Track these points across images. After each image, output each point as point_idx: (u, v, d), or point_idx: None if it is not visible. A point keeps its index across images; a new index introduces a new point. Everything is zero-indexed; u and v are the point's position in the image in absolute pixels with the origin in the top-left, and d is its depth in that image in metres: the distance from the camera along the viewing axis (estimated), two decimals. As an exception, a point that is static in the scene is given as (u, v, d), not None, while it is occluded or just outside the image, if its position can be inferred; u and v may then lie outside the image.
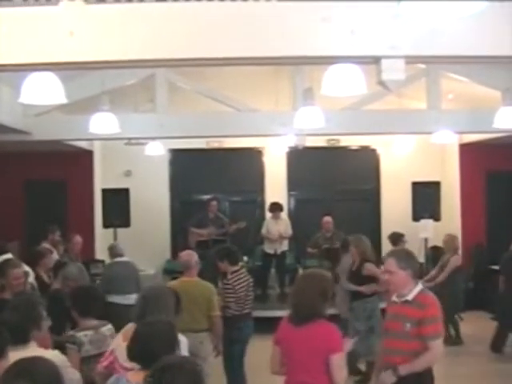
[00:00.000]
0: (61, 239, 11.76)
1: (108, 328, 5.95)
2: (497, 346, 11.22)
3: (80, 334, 5.68)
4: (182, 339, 5.23)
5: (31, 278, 8.16)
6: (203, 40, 4.78)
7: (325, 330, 5.26)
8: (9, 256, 8.78)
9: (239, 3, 5.01)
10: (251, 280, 9.13)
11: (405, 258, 5.54)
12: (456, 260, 11.91)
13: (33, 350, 4.58)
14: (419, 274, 5.72)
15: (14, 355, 4.33)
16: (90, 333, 5.70)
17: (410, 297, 5.40)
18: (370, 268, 9.83)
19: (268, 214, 15.14)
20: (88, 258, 13.19)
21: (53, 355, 4.75)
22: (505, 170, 15.35)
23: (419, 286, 5.46)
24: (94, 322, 5.85)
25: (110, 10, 4.76)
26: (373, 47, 4.86)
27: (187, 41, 4.79)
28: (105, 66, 5.49)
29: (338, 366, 5.11)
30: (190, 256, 8.37)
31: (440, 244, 14.96)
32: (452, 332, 11.77)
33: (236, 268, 8.81)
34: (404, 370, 5.28)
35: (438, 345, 5.34)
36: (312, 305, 5.39)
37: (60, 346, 5.35)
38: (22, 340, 4.65)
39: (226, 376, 8.84)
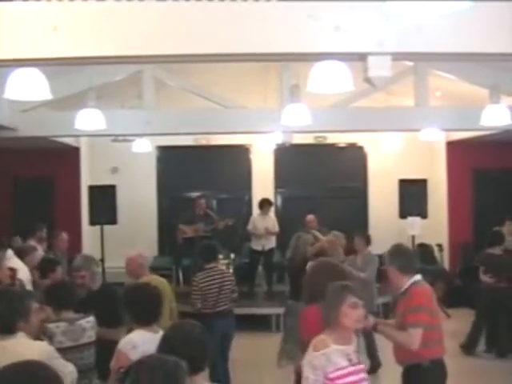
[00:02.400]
0: (45, 236, 11.73)
1: (87, 320, 5.94)
2: (469, 345, 11.15)
3: (51, 326, 5.69)
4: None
5: (21, 274, 8.14)
6: (190, 36, 4.75)
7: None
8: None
9: (225, 0, 4.98)
10: (229, 278, 9.10)
11: (391, 254, 5.85)
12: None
13: (19, 341, 4.63)
14: (413, 266, 5.80)
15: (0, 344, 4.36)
16: (62, 324, 5.69)
17: (402, 289, 5.70)
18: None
19: (255, 211, 15.13)
20: (75, 255, 13.13)
21: (40, 346, 4.79)
22: (491, 167, 15.40)
23: (413, 279, 5.66)
24: (70, 315, 5.85)
25: (95, 4, 4.71)
26: (359, 44, 4.84)
27: (174, 37, 4.76)
28: (90, 62, 5.44)
29: None
30: (142, 256, 8.28)
31: (427, 241, 15.05)
32: None
33: (209, 266, 8.82)
34: (383, 330, 5.75)
35: (415, 333, 5.45)
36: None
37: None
38: (8, 331, 4.66)
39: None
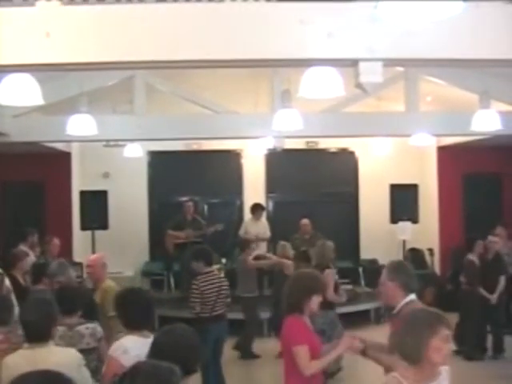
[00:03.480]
0: (38, 241, 11.72)
1: (86, 327, 5.94)
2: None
3: (81, 327, 5.74)
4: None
5: (7, 282, 8.13)
6: (181, 42, 4.76)
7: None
8: None
9: (217, 5, 5.01)
10: (225, 283, 9.17)
11: (394, 269, 5.39)
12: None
13: (51, 349, 4.70)
14: (413, 286, 5.34)
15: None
16: (61, 328, 5.69)
17: (397, 308, 5.26)
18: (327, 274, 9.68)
19: (247, 216, 15.14)
20: (66, 261, 13.11)
21: (72, 353, 4.87)
22: (482, 172, 15.47)
23: (408, 298, 5.23)
24: (72, 320, 5.86)
25: (87, 11, 4.73)
26: (351, 50, 4.87)
27: (165, 43, 4.78)
28: (82, 68, 5.46)
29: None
30: (104, 257, 8.28)
31: (418, 246, 15.10)
32: None
33: (208, 269, 8.88)
34: (372, 356, 5.24)
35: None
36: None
37: None
38: (42, 338, 4.70)
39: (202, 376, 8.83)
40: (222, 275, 9.99)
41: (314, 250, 10.46)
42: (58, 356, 4.63)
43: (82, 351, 5.48)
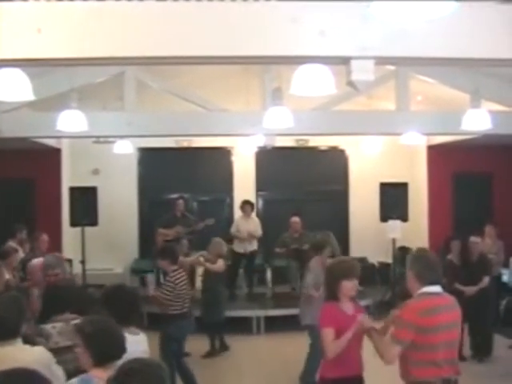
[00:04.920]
0: (27, 237, 11.69)
1: None
2: None
3: (48, 327, 5.68)
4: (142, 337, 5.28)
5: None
6: (172, 38, 4.76)
7: None
8: None
9: (208, 3, 4.99)
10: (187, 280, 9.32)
11: (411, 258, 5.42)
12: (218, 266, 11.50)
13: (18, 347, 4.65)
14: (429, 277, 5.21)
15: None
16: (58, 324, 5.68)
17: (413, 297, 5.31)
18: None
19: (238, 213, 15.14)
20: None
21: (39, 352, 4.79)
22: (472, 171, 15.52)
23: (423, 289, 5.17)
24: (67, 316, 5.84)
25: (79, 6, 4.71)
26: (342, 48, 4.87)
27: (156, 39, 4.77)
28: (73, 64, 5.45)
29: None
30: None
31: (408, 244, 15.12)
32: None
33: (176, 267, 8.89)
34: (371, 335, 5.42)
35: (391, 348, 5.09)
36: None
37: (31, 340, 5.31)
38: (11, 335, 4.66)
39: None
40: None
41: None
42: (27, 354, 4.58)
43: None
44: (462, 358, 10.47)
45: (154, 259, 14.92)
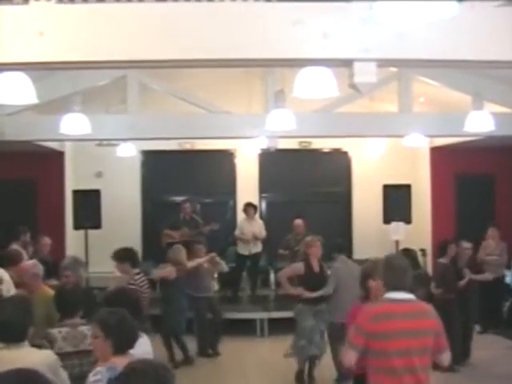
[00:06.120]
0: (30, 240, 11.69)
1: (89, 328, 5.91)
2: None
3: (54, 331, 5.67)
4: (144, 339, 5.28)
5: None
6: (175, 41, 4.76)
7: None
8: None
9: (211, 5, 5.01)
10: None
11: (381, 264, 5.43)
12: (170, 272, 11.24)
13: (26, 350, 4.67)
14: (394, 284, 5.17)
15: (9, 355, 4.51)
16: (65, 329, 5.67)
17: None
18: None
19: (241, 216, 15.14)
20: (58, 260, 13.10)
21: (47, 355, 4.82)
22: (474, 173, 15.50)
23: (384, 295, 5.19)
24: (74, 321, 5.84)
25: (81, 9, 4.73)
26: (345, 50, 4.88)
27: (158, 42, 4.78)
28: (75, 67, 5.45)
29: None
30: (36, 265, 7.89)
31: (411, 246, 15.09)
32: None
33: (137, 270, 8.52)
34: None
35: (346, 352, 5.11)
36: None
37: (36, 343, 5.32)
38: (19, 339, 4.72)
39: None
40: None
41: None
42: (34, 357, 4.60)
43: (83, 352, 5.47)
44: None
45: (160, 260, 15.01)
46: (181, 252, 11.47)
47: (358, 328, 5.06)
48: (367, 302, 5.77)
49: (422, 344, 4.97)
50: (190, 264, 11.46)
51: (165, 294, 11.18)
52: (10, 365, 3.89)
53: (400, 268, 5.20)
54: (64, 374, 4.86)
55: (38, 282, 7.59)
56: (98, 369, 4.33)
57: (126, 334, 4.51)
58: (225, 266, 11.88)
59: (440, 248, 11.18)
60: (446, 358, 5.17)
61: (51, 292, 7.07)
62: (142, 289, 8.29)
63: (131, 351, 4.49)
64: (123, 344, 4.47)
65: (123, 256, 8.57)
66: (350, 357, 5.04)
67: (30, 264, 7.91)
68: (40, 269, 7.73)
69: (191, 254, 11.85)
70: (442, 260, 10.91)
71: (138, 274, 8.46)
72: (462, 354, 10.38)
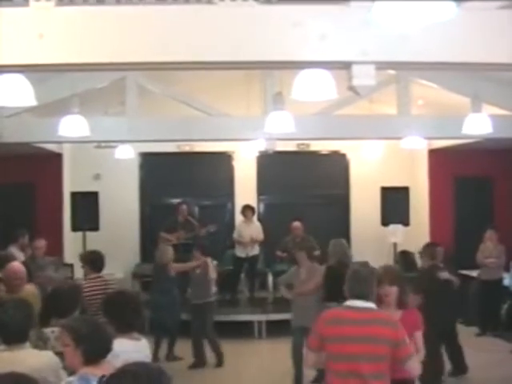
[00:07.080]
0: (28, 243, 11.69)
1: None
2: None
3: (47, 330, 5.67)
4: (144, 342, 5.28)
5: None
6: (174, 44, 4.76)
7: None
8: None
9: (209, 7, 5.00)
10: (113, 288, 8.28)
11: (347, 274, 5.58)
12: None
13: (28, 351, 4.69)
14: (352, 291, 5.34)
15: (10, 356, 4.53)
16: (57, 329, 5.68)
17: None
18: None
19: (239, 218, 15.14)
20: (61, 261, 13.15)
21: (49, 356, 4.82)
22: (472, 175, 15.51)
23: (346, 302, 5.35)
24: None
25: (81, 12, 4.72)
26: (344, 53, 4.87)
27: (158, 44, 4.77)
28: (74, 69, 5.45)
29: None
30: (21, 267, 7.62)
31: (409, 248, 15.14)
32: None
33: (94, 275, 8.19)
34: None
35: (307, 354, 5.53)
36: None
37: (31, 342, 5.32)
38: (20, 340, 4.73)
39: None
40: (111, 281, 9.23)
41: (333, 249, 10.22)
42: (36, 358, 4.61)
43: None
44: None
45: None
46: (164, 253, 11.45)
47: (315, 331, 5.35)
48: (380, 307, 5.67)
49: (371, 351, 5.04)
50: (175, 266, 11.39)
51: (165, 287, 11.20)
52: (12, 366, 3.91)
53: (361, 277, 5.33)
54: (65, 376, 4.86)
55: (21, 282, 7.40)
56: (70, 379, 4.25)
57: (99, 344, 4.31)
58: (213, 273, 11.54)
59: (424, 250, 10.58)
60: (411, 366, 5.20)
61: (34, 292, 7.13)
62: (90, 293, 7.76)
63: (124, 356, 4.42)
64: (94, 354, 4.27)
65: (84, 259, 8.59)
66: (307, 358, 5.51)
67: (14, 265, 7.83)
68: (23, 271, 7.62)
69: (186, 258, 11.85)
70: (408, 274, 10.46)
71: (95, 278, 8.17)
72: (456, 368, 10.20)
